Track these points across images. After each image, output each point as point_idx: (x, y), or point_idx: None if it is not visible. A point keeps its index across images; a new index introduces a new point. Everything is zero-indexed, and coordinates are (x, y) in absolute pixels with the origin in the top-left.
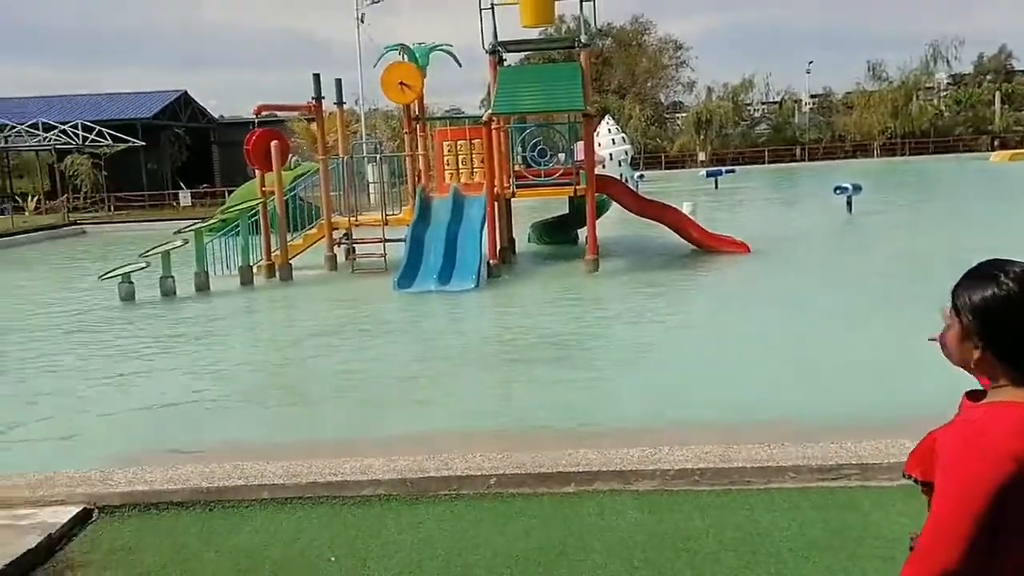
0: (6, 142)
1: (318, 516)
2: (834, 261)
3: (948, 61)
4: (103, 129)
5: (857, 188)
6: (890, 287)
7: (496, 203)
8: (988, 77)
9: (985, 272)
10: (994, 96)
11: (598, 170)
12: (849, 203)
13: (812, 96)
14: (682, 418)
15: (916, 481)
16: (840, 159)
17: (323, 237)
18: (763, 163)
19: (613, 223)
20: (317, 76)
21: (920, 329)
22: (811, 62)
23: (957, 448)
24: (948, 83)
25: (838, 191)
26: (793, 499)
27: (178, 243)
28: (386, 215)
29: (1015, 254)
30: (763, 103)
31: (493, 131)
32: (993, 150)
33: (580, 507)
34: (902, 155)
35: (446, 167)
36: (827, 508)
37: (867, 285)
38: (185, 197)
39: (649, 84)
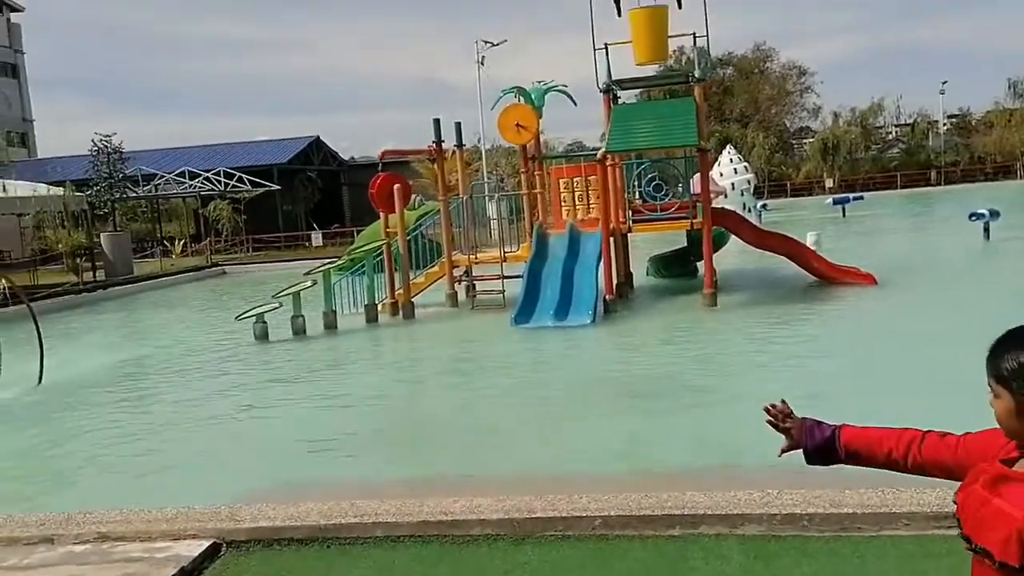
0: (156, 190)
1: (428, 554)
2: (967, 292)
3: None
4: (242, 175)
5: (995, 214)
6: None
7: (612, 238)
8: None
9: (1017, 337)
10: None
11: (719, 201)
12: (987, 229)
13: (948, 117)
14: (796, 460)
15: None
16: (980, 182)
17: (444, 275)
18: (895, 188)
19: (733, 255)
20: (437, 121)
21: None
22: (945, 82)
23: None
24: None
25: (973, 217)
26: (906, 547)
27: (308, 284)
28: (504, 252)
29: None
30: (895, 126)
31: (608, 167)
32: None
33: (685, 551)
34: None
35: (563, 203)
36: (941, 557)
37: (1002, 318)
38: (317, 237)
39: (773, 111)
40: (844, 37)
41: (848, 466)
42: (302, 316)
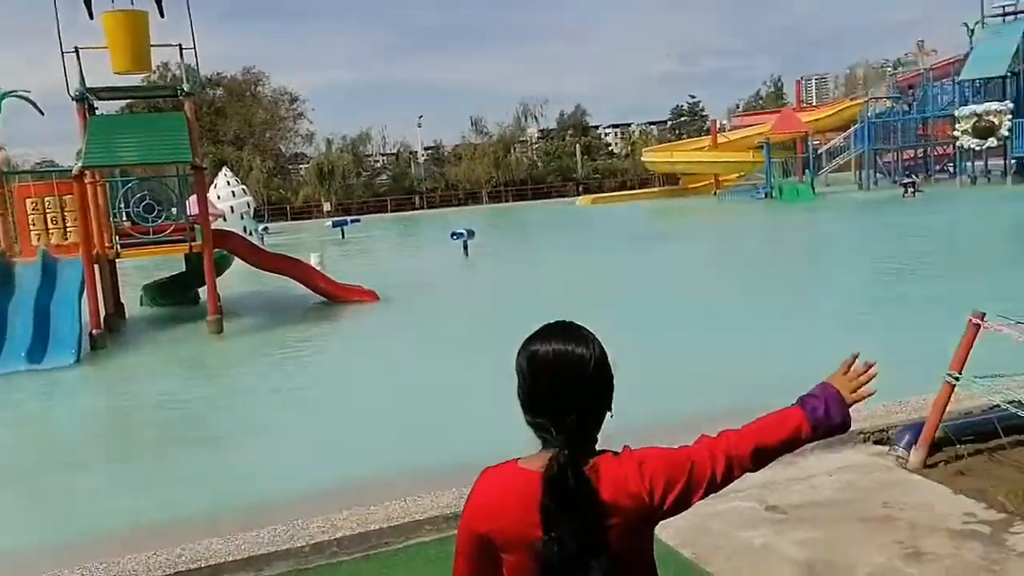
0: None
1: None
2: (453, 303)
3: (536, 118)
4: None
5: (471, 233)
6: (501, 325)
7: (97, 265)
8: (569, 132)
9: (532, 335)
10: (575, 148)
11: (219, 223)
12: (465, 247)
13: (425, 148)
14: (320, 484)
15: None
16: (455, 206)
17: None
18: (387, 211)
19: (238, 279)
20: None
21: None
22: (421, 116)
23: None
24: (538, 137)
25: (455, 236)
26: (430, 552)
27: None
28: None
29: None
30: (382, 154)
31: (87, 185)
32: (579, 195)
33: None
34: (506, 201)
35: (32, 227)
36: None
37: (482, 325)
38: None
39: (268, 135)
40: (334, 69)
41: (372, 483)
42: None
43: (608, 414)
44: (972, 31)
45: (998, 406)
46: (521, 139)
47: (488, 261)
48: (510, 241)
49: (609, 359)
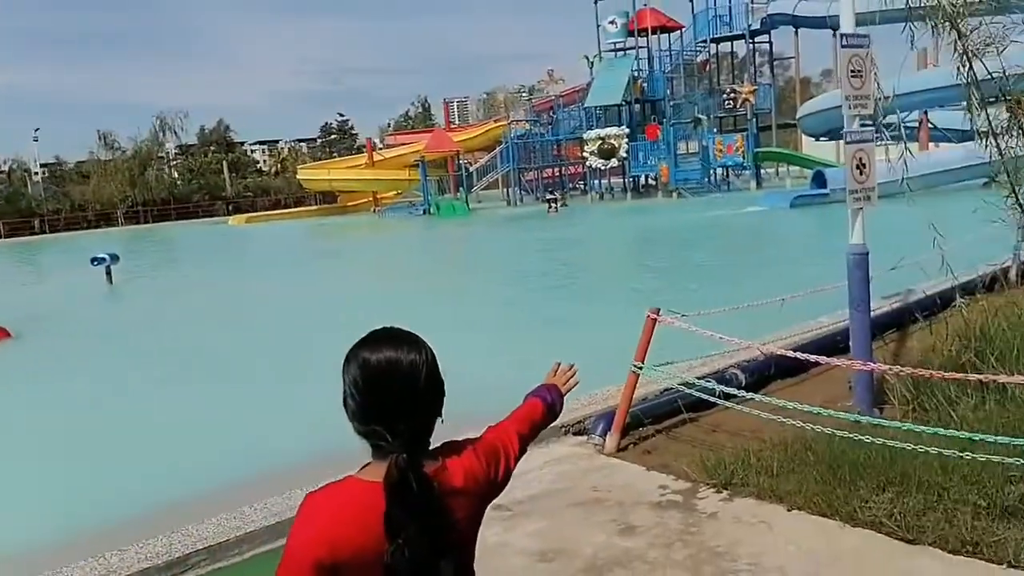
0: None
1: None
2: (98, 336)
3: (176, 132)
4: None
5: (115, 257)
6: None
7: None
8: (212, 148)
9: (361, 341)
10: (222, 165)
11: None
12: (109, 273)
13: (43, 165)
14: None
15: None
16: (85, 229)
17: None
18: (1, 238)
19: None
20: None
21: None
22: (37, 129)
23: (297, 519)
24: (177, 153)
25: (95, 262)
26: None
27: None
28: None
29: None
30: None
31: None
32: (230, 214)
33: None
34: (146, 223)
35: None
36: None
37: (131, 357)
38: None
39: None
40: None
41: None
42: None
43: (439, 419)
44: (592, 63)
45: (672, 388)
46: (160, 155)
47: (136, 287)
48: (160, 265)
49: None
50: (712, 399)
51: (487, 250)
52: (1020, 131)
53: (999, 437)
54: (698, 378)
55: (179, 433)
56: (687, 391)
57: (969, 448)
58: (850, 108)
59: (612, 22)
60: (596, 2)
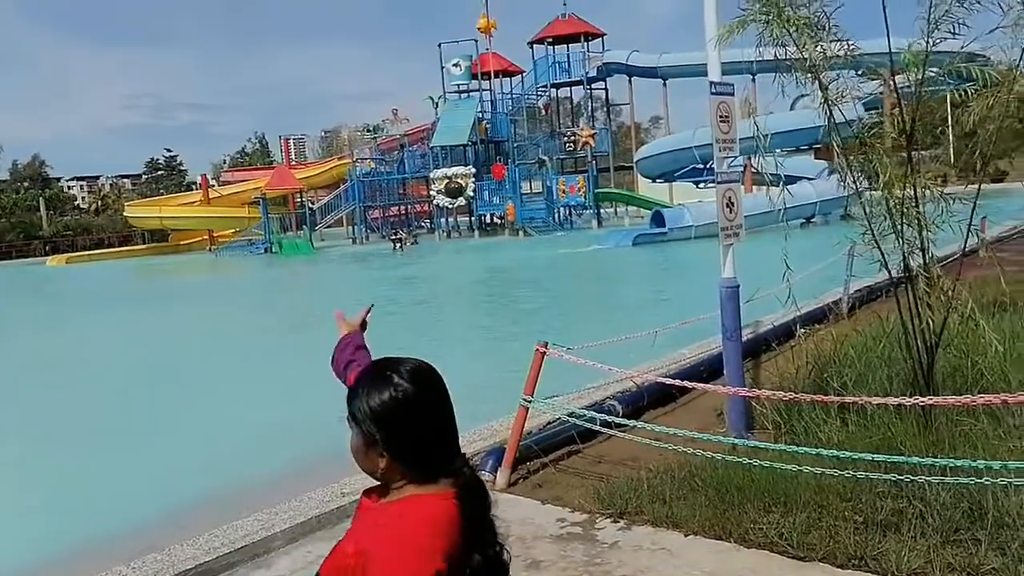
0: None
1: None
2: None
3: None
4: None
5: None
6: None
7: None
8: (26, 184)
9: (378, 376)
10: (38, 202)
11: None
12: None
13: None
14: None
15: None
16: None
17: None
18: None
19: None
20: None
21: None
22: None
23: (393, 547)
24: None
25: None
26: None
27: None
28: None
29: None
30: None
31: None
32: (47, 255)
33: None
34: None
35: None
36: None
37: None
38: None
39: None
40: None
41: None
42: None
43: None
44: (436, 104)
45: (555, 421)
46: None
47: None
48: None
49: None
50: (599, 428)
51: (334, 289)
52: (871, 170)
53: (863, 455)
54: (580, 409)
55: None
56: (572, 423)
57: (839, 467)
58: (719, 151)
59: (456, 64)
60: (440, 45)
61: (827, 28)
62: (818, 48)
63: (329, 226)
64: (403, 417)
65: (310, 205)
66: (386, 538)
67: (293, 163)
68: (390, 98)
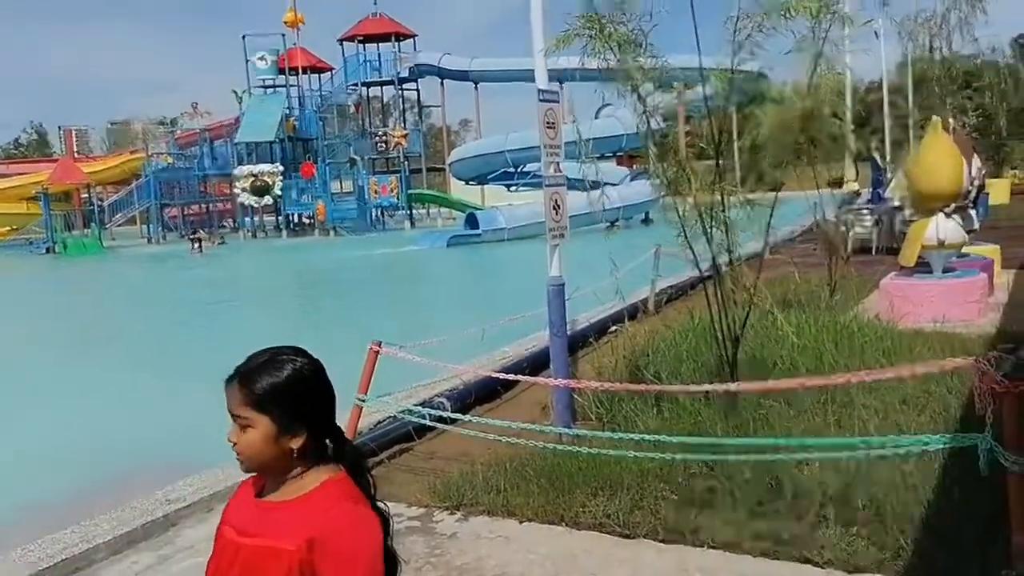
0: None
1: None
2: None
3: None
4: None
5: None
6: None
7: None
8: None
9: (271, 361)
10: None
11: None
12: None
13: None
14: None
15: None
16: None
17: None
18: None
19: None
20: None
21: None
22: None
23: (353, 528)
24: None
25: None
26: None
27: None
28: None
29: None
30: None
31: None
32: None
33: None
34: None
35: None
36: None
37: None
38: None
39: None
40: None
41: None
42: None
43: None
44: (241, 98)
45: (386, 420)
46: None
47: None
48: None
49: None
50: (432, 424)
51: (145, 289)
52: (683, 177)
53: (675, 438)
54: (411, 407)
55: None
56: (405, 419)
57: (657, 451)
58: (546, 155)
59: (262, 58)
60: (244, 37)
61: (643, 45)
62: (636, 62)
63: (120, 225)
64: (321, 386)
65: (99, 202)
66: (343, 523)
67: (78, 156)
68: (186, 90)
